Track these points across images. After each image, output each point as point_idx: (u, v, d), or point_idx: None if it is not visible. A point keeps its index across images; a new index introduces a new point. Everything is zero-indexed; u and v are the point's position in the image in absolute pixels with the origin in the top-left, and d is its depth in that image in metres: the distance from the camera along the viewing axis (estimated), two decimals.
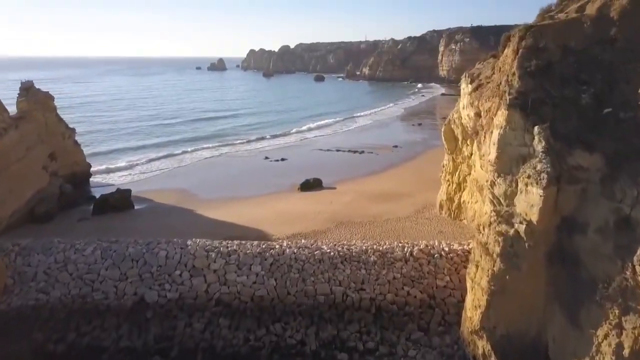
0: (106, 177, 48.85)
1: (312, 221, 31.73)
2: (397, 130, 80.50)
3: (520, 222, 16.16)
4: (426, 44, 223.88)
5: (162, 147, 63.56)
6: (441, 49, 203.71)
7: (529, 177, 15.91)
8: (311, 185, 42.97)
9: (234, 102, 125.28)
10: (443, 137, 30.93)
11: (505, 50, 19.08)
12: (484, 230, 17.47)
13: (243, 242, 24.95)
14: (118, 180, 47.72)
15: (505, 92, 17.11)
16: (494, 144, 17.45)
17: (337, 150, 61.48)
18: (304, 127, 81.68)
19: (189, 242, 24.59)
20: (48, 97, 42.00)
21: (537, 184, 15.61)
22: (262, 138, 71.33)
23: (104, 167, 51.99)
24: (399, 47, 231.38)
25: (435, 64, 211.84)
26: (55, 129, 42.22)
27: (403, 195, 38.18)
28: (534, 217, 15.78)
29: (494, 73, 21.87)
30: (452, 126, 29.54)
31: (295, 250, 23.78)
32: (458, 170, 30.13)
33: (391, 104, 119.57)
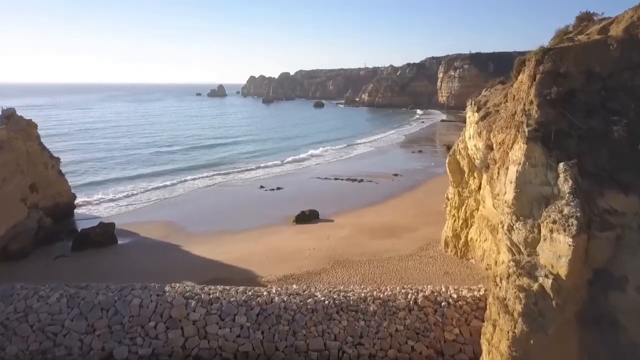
0: (92, 209, 46.41)
1: (306, 260, 29.14)
2: (397, 157, 78.53)
3: (546, 276, 13.68)
4: (425, 70, 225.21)
5: (155, 176, 61.28)
6: (440, 75, 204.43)
7: (554, 222, 13.53)
8: (307, 217, 40.51)
9: (232, 129, 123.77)
10: (447, 169, 28.65)
11: (520, 76, 17.00)
12: (501, 282, 14.96)
13: (227, 287, 22.33)
14: (105, 212, 45.28)
15: (522, 123, 14.92)
16: (510, 183, 15.15)
17: (336, 179, 59.23)
18: (302, 155, 79.68)
19: (166, 288, 21.97)
20: (30, 125, 40.07)
21: (564, 231, 13.22)
22: (259, 166, 69.13)
23: (93, 197, 49.63)
24: (398, 73, 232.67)
25: (434, 90, 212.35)
26: (38, 159, 40.09)
27: (405, 230, 35.67)
28: (562, 271, 13.33)
29: (506, 101, 19.75)
30: (458, 157, 27.30)
31: (285, 298, 21.14)
32: (464, 205, 27.73)
33: (391, 131, 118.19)
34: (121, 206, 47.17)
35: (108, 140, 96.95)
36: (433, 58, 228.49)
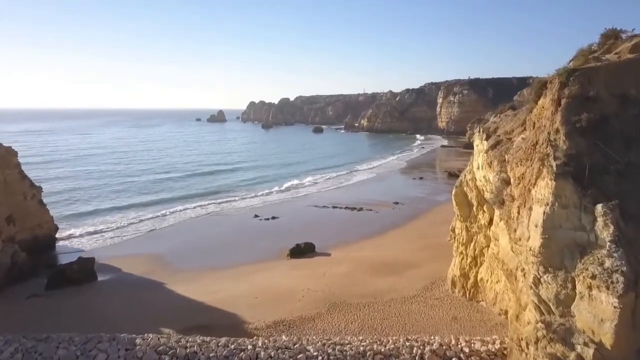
0: (76, 241, 43.71)
1: (300, 302, 26.37)
2: (398, 184, 76.20)
3: (585, 344, 11.12)
4: (424, 95, 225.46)
5: (148, 205, 58.58)
6: (439, 100, 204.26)
7: (593, 277, 11.06)
8: (302, 250, 37.87)
9: (229, 155, 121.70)
10: (454, 202, 26.23)
11: (541, 100, 14.82)
12: (527, 348, 12.36)
13: (207, 339, 19.59)
14: (88, 244, 42.62)
15: (548, 156, 12.61)
16: (536, 226, 12.73)
17: (334, 207, 56.75)
18: (300, 182, 77.37)
19: (138, 341, 19.24)
20: (10, 153, 37.88)
21: (607, 288, 10.74)
22: (255, 194, 66.58)
23: (79, 229, 46.91)
24: (397, 99, 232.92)
25: (434, 116, 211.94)
26: (16, 188, 37.80)
27: (407, 265, 32.97)
28: (607, 338, 10.77)
29: (524, 129, 17.47)
30: (465, 189, 24.92)
31: (272, 353, 18.38)
32: (473, 242, 25.19)
33: (391, 157, 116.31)
34: (107, 238, 44.51)
35: (103, 167, 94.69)
36: (432, 84, 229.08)
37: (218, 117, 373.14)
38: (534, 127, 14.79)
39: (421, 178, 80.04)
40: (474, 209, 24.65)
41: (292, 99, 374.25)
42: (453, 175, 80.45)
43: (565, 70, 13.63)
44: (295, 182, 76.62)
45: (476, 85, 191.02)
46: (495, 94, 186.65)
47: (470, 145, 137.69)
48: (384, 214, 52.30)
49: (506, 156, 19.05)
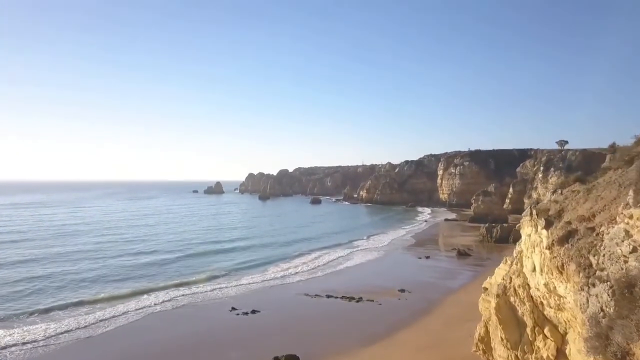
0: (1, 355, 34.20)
1: None
2: (402, 265, 67.35)
3: None
4: (424, 167, 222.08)
5: (110, 300, 48.37)
6: (440, 172, 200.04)
7: None
8: None
9: (220, 231, 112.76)
10: (496, 319, 17.89)
11: None
12: None
13: None
14: (10, 356, 33.14)
15: None
16: None
17: (328, 297, 47.67)
18: (289, 264, 68.18)
19: None
20: None
21: None
22: (239, 282, 56.98)
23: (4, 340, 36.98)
24: (397, 170, 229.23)
25: (434, 187, 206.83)
26: None
27: None
28: None
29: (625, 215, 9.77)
30: (512, 300, 16.76)
31: None
32: None
33: (392, 232, 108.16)
34: (24, 350, 34.38)
35: (81, 246, 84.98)
36: (432, 155, 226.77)
37: (215, 189, 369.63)
38: None
39: (427, 257, 71.23)
40: (528, 329, 16.32)
41: (290, 170, 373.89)
42: (463, 254, 72.06)
43: None
44: (286, 265, 67.43)
45: (477, 156, 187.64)
46: (497, 165, 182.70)
47: (476, 219, 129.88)
48: (388, 307, 43.26)
49: (593, 259, 11.25)
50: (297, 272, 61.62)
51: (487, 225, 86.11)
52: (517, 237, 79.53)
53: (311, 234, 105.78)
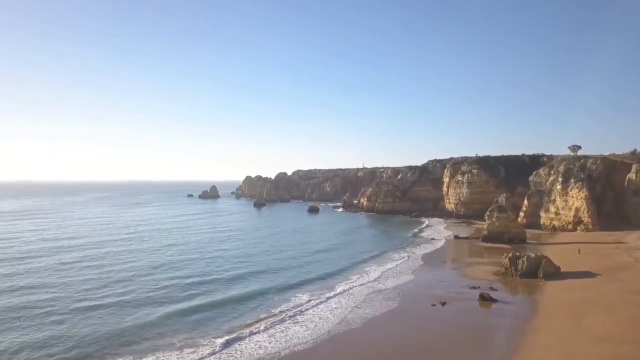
0: None
1: None
2: (413, 320, 54.52)
3: None
4: (428, 174, 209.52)
5: None
6: (446, 179, 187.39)
7: None
8: None
9: (202, 259, 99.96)
10: None
11: None
12: None
13: None
14: None
15: None
16: None
17: None
18: (275, 310, 55.70)
19: None
20: None
21: None
22: (204, 338, 44.92)
23: None
24: (399, 177, 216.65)
25: (439, 196, 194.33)
26: None
27: None
28: None
29: None
30: None
31: None
32: None
33: (396, 255, 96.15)
34: None
35: (42, 279, 72.35)
36: (437, 161, 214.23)
37: (210, 193, 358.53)
38: None
39: (443, 304, 58.10)
40: None
41: (289, 172, 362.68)
42: (487, 299, 59.37)
43: None
44: (270, 311, 54.71)
45: (486, 163, 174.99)
46: (507, 173, 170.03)
47: (490, 237, 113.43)
48: None
49: None
50: (281, 329, 48.51)
51: (510, 255, 73.49)
52: (548, 273, 63.09)
53: (302, 261, 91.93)
